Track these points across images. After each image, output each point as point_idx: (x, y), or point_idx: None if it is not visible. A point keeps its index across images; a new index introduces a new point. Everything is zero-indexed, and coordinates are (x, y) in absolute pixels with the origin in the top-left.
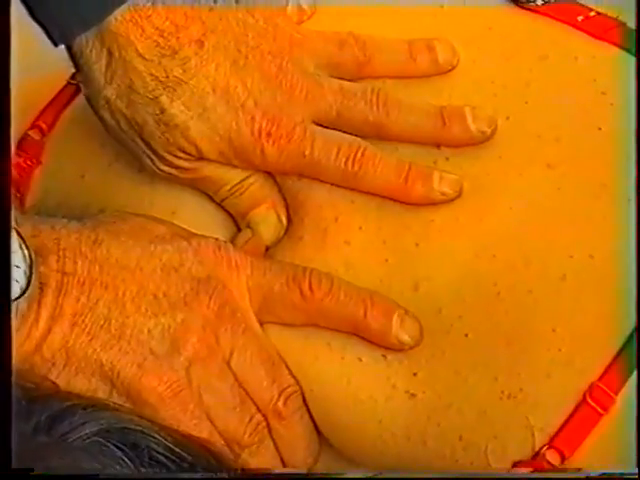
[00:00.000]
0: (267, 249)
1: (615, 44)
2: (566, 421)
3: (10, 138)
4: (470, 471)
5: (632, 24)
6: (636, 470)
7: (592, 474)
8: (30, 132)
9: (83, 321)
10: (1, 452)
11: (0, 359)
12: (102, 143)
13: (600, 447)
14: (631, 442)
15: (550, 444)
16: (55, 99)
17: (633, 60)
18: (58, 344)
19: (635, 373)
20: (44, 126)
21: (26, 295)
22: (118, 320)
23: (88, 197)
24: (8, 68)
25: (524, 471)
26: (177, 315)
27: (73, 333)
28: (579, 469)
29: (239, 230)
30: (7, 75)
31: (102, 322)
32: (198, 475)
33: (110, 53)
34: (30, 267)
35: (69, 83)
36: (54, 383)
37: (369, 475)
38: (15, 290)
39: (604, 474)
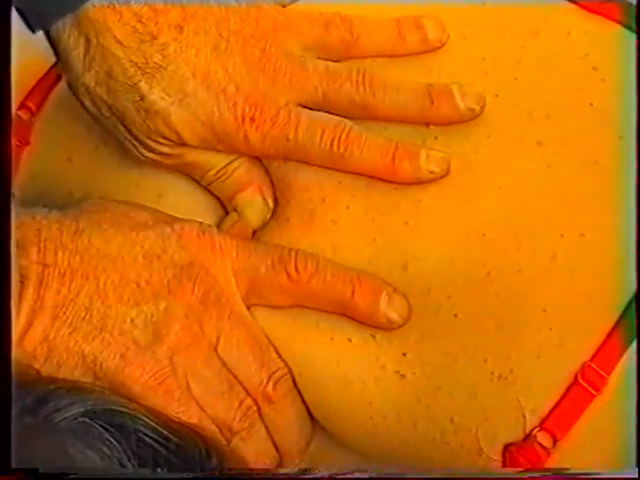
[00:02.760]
0: (254, 232)
1: (611, 18)
2: (558, 402)
3: (10, 130)
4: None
5: None
6: (636, 470)
7: (592, 474)
8: (19, 112)
9: (64, 313)
10: (1, 452)
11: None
12: (89, 126)
13: (592, 428)
14: (624, 423)
15: (541, 426)
16: (43, 79)
17: (627, 35)
18: (39, 337)
19: (627, 352)
20: (33, 106)
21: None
22: (100, 311)
23: (75, 180)
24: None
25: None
26: (160, 303)
27: (54, 326)
28: (566, 468)
29: (227, 213)
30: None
31: (84, 313)
32: (200, 474)
33: (88, 40)
34: None
35: (57, 63)
36: (38, 371)
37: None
38: None
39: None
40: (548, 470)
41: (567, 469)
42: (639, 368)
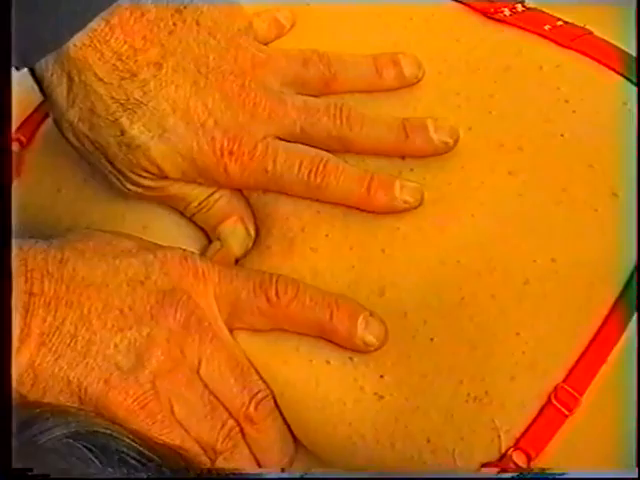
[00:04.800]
0: (237, 260)
1: (581, 52)
2: (531, 422)
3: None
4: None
5: (599, 32)
6: (636, 470)
7: (592, 475)
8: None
9: (50, 340)
10: (1, 452)
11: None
12: (78, 158)
13: (565, 448)
14: (597, 442)
15: (516, 445)
16: (34, 113)
17: (598, 68)
18: (25, 364)
19: (600, 373)
20: (23, 139)
21: None
22: (85, 337)
23: (63, 211)
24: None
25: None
26: (143, 329)
27: (40, 353)
28: (543, 469)
29: (210, 242)
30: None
31: (69, 340)
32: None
33: (70, 78)
34: None
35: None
36: (24, 396)
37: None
38: None
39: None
40: (546, 470)
41: (566, 470)
42: (639, 367)
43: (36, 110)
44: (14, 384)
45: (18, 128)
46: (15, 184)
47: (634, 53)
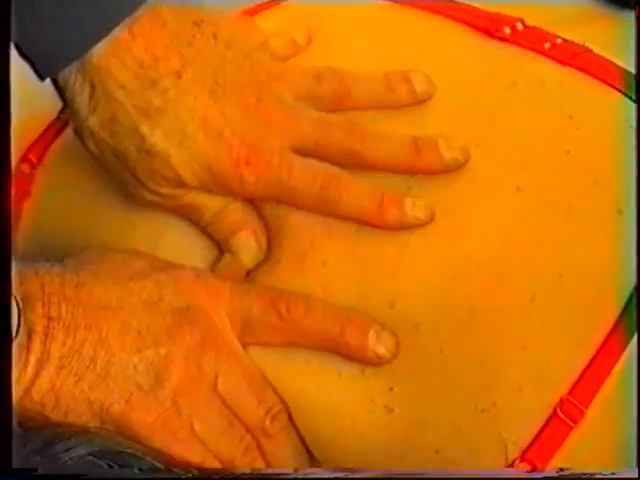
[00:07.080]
0: (248, 273)
1: (581, 70)
2: (537, 434)
3: (10, 187)
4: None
5: (598, 49)
6: (636, 470)
7: (592, 474)
8: (21, 165)
9: (70, 363)
10: (1, 452)
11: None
12: (88, 174)
13: (571, 459)
14: (601, 452)
15: (522, 457)
16: (44, 133)
17: (598, 85)
18: (46, 387)
19: (604, 386)
20: (34, 159)
21: (15, 342)
22: (104, 359)
23: (75, 226)
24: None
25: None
26: (160, 349)
27: (60, 376)
28: (566, 468)
29: (222, 253)
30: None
31: (88, 363)
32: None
33: (92, 85)
34: (18, 315)
35: (58, 117)
36: (47, 416)
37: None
38: None
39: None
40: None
41: (567, 469)
42: (639, 373)
43: (46, 131)
44: (36, 407)
45: (29, 149)
46: (26, 204)
47: (632, 69)
